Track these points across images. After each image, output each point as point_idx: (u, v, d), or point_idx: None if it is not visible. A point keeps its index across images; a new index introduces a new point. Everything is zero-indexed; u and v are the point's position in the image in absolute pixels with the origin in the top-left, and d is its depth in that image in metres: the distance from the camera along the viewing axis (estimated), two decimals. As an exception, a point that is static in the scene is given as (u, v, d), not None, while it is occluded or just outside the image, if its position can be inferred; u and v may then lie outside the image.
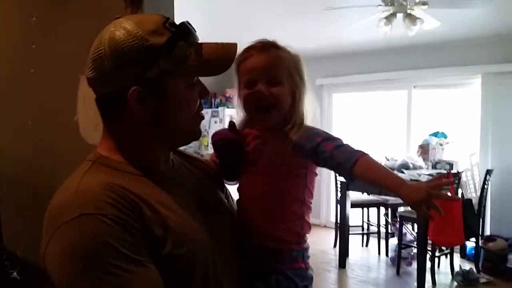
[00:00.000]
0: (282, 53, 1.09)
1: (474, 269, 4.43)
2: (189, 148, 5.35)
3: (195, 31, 0.87)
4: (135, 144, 0.89)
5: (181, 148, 1.03)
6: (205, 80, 0.92)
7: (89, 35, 1.61)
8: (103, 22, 1.54)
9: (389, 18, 3.52)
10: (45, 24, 1.86)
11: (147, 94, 0.82)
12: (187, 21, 0.85)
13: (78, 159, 1.77)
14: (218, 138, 1.13)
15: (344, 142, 1.03)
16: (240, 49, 1.03)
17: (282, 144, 1.05)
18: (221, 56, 0.88)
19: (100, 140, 0.91)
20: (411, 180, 4.37)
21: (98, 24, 1.59)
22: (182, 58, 0.83)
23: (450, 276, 4.41)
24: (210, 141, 1.22)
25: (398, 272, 4.55)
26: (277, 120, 1.08)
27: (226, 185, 1.16)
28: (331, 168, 1.04)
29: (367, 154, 0.98)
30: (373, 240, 5.43)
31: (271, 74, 1.06)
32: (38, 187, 1.96)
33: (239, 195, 1.12)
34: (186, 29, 0.85)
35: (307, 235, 1.11)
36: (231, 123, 1.13)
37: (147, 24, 0.83)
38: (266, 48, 1.09)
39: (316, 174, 1.12)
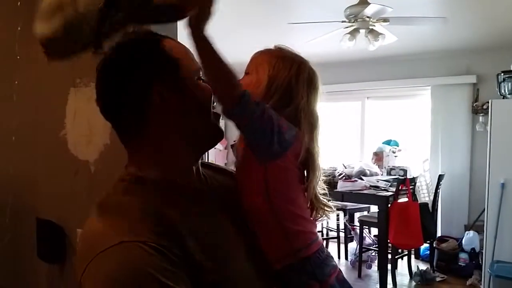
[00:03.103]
0: (273, 51, 1.04)
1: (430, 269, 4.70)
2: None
3: None
4: (164, 155, 0.88)
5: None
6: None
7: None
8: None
9: (353, 33, 3.70)
10: (31, 33, 1.75)
11: (165, 90, 0.84)
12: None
13: (63, 176, 1.69)
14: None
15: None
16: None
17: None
18: None
19: (128, 161, 0.90)
20: (371, 186, 4.59)
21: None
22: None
23: (408, 277, 4.66)
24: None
25: (359, 275, 4.73)
26: None
27: None
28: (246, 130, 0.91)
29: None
30: (332, 245, 5.61)
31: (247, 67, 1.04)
32: (19, 211, 1.83)
33: None
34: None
35: (314, 230, 1.01)
36: None
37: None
38: (266, 49, 1.06)
39: (283, 176, 0.94)
